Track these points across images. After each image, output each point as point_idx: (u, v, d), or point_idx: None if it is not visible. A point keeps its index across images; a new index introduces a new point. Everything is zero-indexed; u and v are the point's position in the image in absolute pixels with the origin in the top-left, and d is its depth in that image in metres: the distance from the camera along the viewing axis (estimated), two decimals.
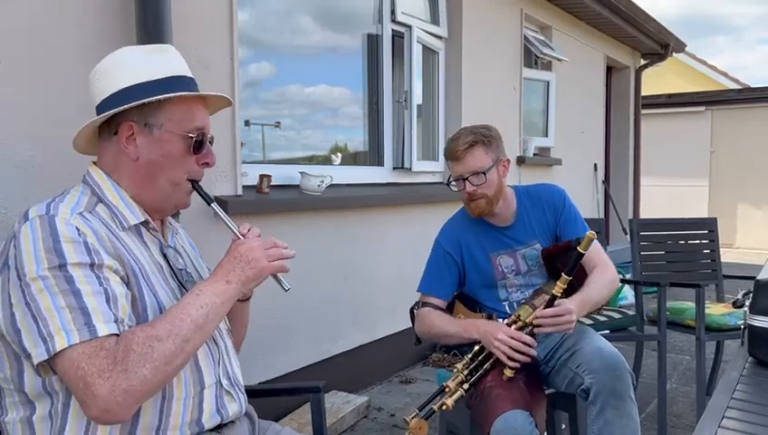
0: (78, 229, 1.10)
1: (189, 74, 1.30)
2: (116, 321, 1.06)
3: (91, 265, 1.08)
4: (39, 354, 1.02)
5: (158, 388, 1.09)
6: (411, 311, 2.22)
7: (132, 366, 1.03)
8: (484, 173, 2.04)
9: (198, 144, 1.27)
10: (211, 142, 1.32)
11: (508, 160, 2.14)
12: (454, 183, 2.11)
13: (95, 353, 1.02)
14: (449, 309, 2.21)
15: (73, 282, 1.05)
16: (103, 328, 1.04)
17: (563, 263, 1.94)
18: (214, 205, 1.33)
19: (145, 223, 1.26)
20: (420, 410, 1.87)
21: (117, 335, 1.06)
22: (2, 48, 1.89)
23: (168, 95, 1.21)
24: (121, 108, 1.20)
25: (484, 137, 2.06)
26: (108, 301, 1.07)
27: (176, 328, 1.09)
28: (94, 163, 1.28)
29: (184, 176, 1.27)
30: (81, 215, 1.15)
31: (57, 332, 1.02)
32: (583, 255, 1.83)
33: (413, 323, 2.21)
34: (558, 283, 1.87)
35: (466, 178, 2.05)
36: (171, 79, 1.25)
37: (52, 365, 1.05)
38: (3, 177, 1.89)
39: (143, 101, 1.20)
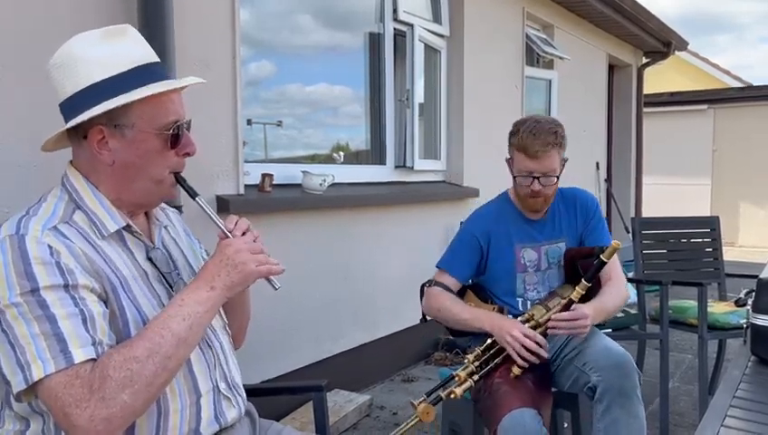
0: (50, 248, 1.04)
1: (154, 59, 1.20)
2: (93, 344, 1.02)
3: (65, 286, 1.03)
4: (18, 383, 1.00)
5: (143, 410, 1.05)
6: (422, 287, 2.21)
7: (110, 393, 0.98)
8: (557, 177, 2.06)
9: (175, 137, 1.18)
10: (188, 127, 1.23)
11: (566, 160, 2.14)
12: (520, 177, 2.07)
13: (71, 383, 0.98)
14: (460, 295, 2.19)
15: (47, 306, 1.00)
16: (80, 353, 1.00)
17: (584, 267, 1.96)
18: (199, 199, 1.25)
19: (127, 227, 1.19)
20: (428, 396, 1.88)
21: (94, 359, 1.01)
22: (3, 49, 1.90)
23: (132, 97, 1.12)
24: (86, 116, 1.11)
25: (562, 138, 2.05)
26: (84, 322, 1.02)
27: (156, 346, 1.04)
28: (71, 163, 1.21)
29: (165, 171, 1.20)
30: (54, 229, 1.08)
31: (33, 361, 0.98)
32: (605, 263, 1.86)
33: (422, 300, 2.20)
34: (577, 288, 1.90)
35: (537, 177, 2.04)
36: (136, 70, 1.15)
37: (34, 392, 1.02)
38: (5, 177, 1.90)
39: (109, 107, 1.11)
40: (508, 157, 2.15)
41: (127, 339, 1.08)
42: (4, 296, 1.01)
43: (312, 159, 3.75)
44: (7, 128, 1.91)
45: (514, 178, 2.12)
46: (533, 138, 2.01)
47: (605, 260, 1.85)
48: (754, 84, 11.13)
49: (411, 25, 3.96)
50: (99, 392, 0.98)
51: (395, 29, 3.92)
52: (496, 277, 2.18)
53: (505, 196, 2.26)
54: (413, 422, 1.84)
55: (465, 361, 1.93)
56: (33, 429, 1.09)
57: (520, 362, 1.86)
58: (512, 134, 2.10)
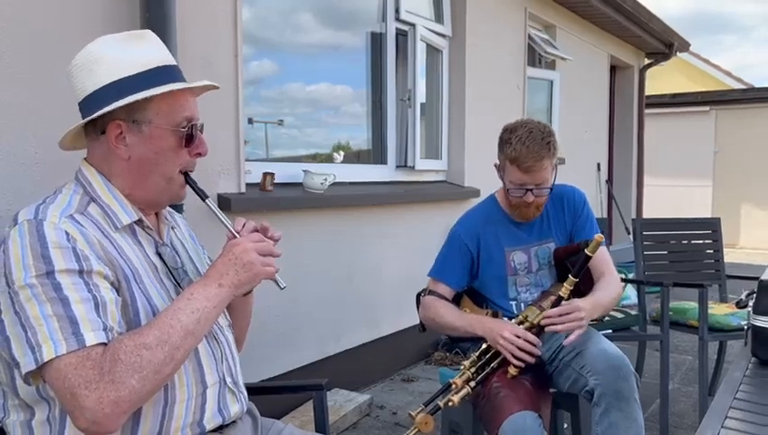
0: (67, 234, 1.07)
1: (171, 61, 1.25)
2: (105, 329, 1.03)
3: (80, 272, 1.05)
4: (27, 364, 1.00)
5: (149, 397, 1.06)
6: (417, 296, 2.22)
7: (120, 376, 1.00)
8: (550, 188, 2.04)
9: (189, 136, 1.23)
10: (201, 130, 1.27)
11: (558, 162, 2.10)
12: (514, 189, 2.04)
13: (81, 364, 0.99)
14: (456, 301, 2.19)
15: (61, 289, 1.02)
16: (91, 337, 1.01)
17: (573, 264, 1.95)
18: (208, 201, 1.28)
19: (139, 222, 1.22)
20: (426, 406, 1.87)
21: (105, 344, 1.03)
22: (7, 48, 1.90)
23: (153, 92, 1.16)
24: (108, 109, 1.15)
25: (555, 148, 2.00)
26: (96, 307, 1.04)
27: (165, 335, 1.06)
28: (86, 160, 1.24)
29: (177, 169, 1.24)
30: (71, 217, 1.11)
31: (45, 341, 1.00)
32: (590, 257, 1.84)
33: (418, 309, 2.20)
34: (565, 284, 1.88)
35: (530, 189, 2.02)
36: (154, 71, 1.19)
37: (42, 375, 1.03)
38: (9, 175, 1.90)
39: (129, 100, 1.15)
40: (497, 163, 2.11)
41: (138, 327, 1.10)
42: (20, 278, 1.02)
43: (314, 158, 3.75)
44: (12, 126, 1.91)
45: (507, 189, 2.09)
46: (527, 151, 1.95)
47: (590, 254, 1.82)
48: (756, 86, 11.13)
49: (413, 25, 3.96)
50: (109, 375, 1.00)
51: (397, 29, 3.92)
52: (488, 282, 2.17)
53: (492, 199, 2.24)
54: (412, 433, 1.83)
55: (462, 367, 1.92)
56: (38, 417, 1.10)
57: (515, 362, 1.85)
58: (503, 142, 2.04)
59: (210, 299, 1.14)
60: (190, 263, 1.35)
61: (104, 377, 0.99)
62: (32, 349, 1.00)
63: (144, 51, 1.21)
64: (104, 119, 1.17)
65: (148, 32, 1.27)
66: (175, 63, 1.26)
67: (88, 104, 1.19)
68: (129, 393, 1.00)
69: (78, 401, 0.99)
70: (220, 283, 1.16)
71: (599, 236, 1.82)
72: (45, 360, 0.99)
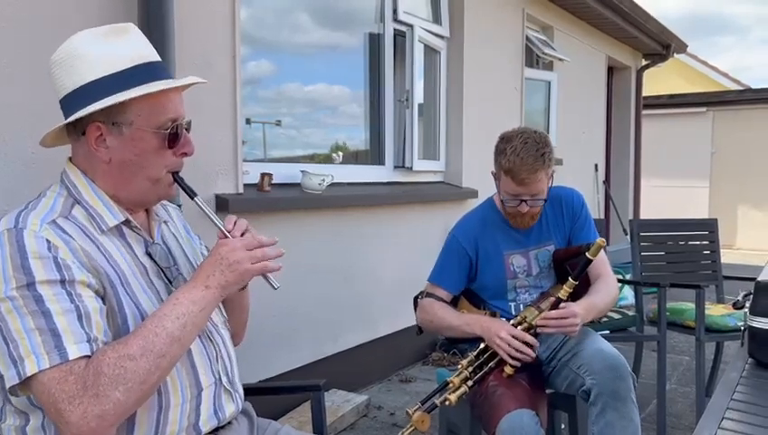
0: (48, 242, 1.04)
1: (155, 58, 1.19)
2: (88, 340, 1.01)
3: (62, 282, 1.02)
4: (11, 377, 0.99)
5: (136, 407, 1.05)
6: (415, 299, 2.22)
7: (104, 390, 0.98)
8: (545, 199, 2.05)
9: (173, 136, 1.18)
10: (188, 128, 1.22)
11: (554, 172, 2.10)
12: (509, 199, 2.05)
13: (65, 379, 0.98)
14: (453, 304, 2.20)
15: (43, 301, 1.00)
16: (74, 350, 0.99)
17: (572, 266, 1.95)
18: (197, 199, 1.25)
19: (126, 222, 1.19)
20: (423, 404, 1.88)
21: (89, 356, 1.01)
22: (6, 48, 1.90)
23: (130, 95, 1.11)
24: (84, 112, 1.11)
25: (550, 159, 2.00)
26: (79, 318, 1.02)
27: (149, 344, 1.03)
28: (70, 159, 1.21)
29: (163, 170, 1.19)
30: (53, 223, 1.08)
31: (27, 355, 0.98)
32: (591, 261, 1.84)
33: (416, 312, 2.21)
34: (564, 286, 1.88)
35: (525, 200, 2.03)
36: (136, 69, 1.14)
37: (28, 387, 1.01)
38: (6, 175, 1.90)
39: (106, 104, 1.10)
40: (494, 171, 2.10)
41: (126, 335, 1.08)
42: (0, 290, 1.00)
43: (312, 158, 3.75)
44: (10, 126, 1.91)
45: (502, 199, 2.10)
46: (521, 163, 1.95)
47: (591, 258, 1.83)
48: (753, 87, 11.16)
49: (411, 26, 3.96)
50: (92, 389, 0.98)
51: (395, 29, 3.92)
52: (487, 285, 2.17)
53: (490, 202, 2.24)
54: (408, 431, 1.83)
55: (459, 366, 1.92)
56: (32, 424, 1.09)
57: (511, 362, 1.86)
58: (498, 152, 2.03)
59: (196, 302, 1.11)
60: (184, 258, 1.32)
61: (88, 391, 0.98)
62: (14, 363, 0.99)
63: (126, 47, 1.16)
64: (84, 120, 1.13)
65: (131, 25, 1.21)
66: (159, 60, 1.20)
67: (68, 103, 1.15)
68: (114, 406, 0.99)
69: (63, 417, 0.98)
70: (207, 284, 1.13)
71: (601, 241, 1.82)
72: (28, 374, 0.98)
